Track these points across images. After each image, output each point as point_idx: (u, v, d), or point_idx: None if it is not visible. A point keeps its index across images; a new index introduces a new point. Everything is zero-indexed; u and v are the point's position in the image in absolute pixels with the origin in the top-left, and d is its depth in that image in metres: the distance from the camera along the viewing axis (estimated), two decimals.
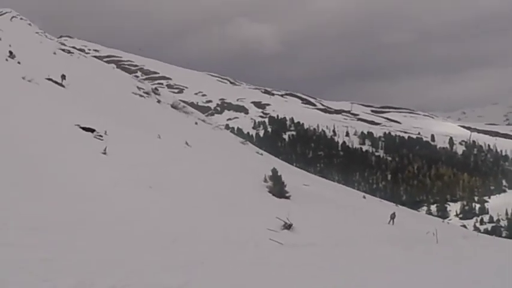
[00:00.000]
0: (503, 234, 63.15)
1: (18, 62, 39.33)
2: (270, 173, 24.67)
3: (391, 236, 19.62)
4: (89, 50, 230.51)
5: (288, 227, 16.35)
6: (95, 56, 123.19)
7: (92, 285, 6.95)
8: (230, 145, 45.41)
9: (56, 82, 37.16)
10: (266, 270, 10.42)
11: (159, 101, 55.31)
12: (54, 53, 59.60)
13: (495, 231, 76.29)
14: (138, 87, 58.50)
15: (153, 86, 72.30)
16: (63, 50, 69.58)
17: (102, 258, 8.35)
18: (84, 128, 23.17)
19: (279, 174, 24.02)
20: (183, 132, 35.78)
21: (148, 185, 16.68)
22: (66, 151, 18.08)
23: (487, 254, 19.73)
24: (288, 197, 23.10)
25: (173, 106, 55.57)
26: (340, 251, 13.97)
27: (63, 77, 38.55)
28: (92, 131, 23.18)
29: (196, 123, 51.40)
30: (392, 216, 24.33)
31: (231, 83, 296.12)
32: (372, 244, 16.20)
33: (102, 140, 22.09)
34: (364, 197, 40.11)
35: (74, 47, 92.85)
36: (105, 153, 19.56)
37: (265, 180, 24.53)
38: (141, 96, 53.43)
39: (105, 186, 14.88)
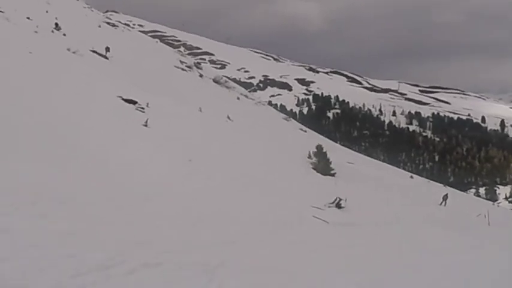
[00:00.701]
0: None
1: (64, 34, 39.59)
2: (315, 149, 23.75)
3: (442, 217, 18.53)
4: (134, 24, 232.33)
5: (338, 205, 15.46)
6: (140, 31, 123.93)
7: (123, 262, 6.32)
8: (273, 121, 44.58)
9: (100, 54, 37.24)
10: (309, 250, 9.61)
11: (201, 75, 54.96)
12: (99, 26, 59.93)
13: None
14: (180, 61, 58.25)
15: (195, 61, 72.01)
16: (107, 23, 69.99)
17: (133, 235, 7.72)
18: (126, 100, 22.84)
19: (324, 150, 23.07)
20: (224, 107, 35.18)
21: (188, 158, 16.12)
22: (106, 122, 17.72)
23: None
24: (333, 175, 22.19)
25: (215, 81, 55.11)
26: (389, 231, 13.00)
27: (107, 49, 38.65)
28: (134, 103, 22.84)
29: (238, 98, 50.78)
30: (445, 198, 23.11)
31: (274, 59, 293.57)
32: (422, 225, 15.15)
33: (143, 112, 21.71)
34: (411, 177, 38.63)
35: (119, 22, 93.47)
36: (146, 126, 19.12)
37: (309, 157, 23.64)
38: (183, 70, 53.17)
39: (143, 158, 14.38)
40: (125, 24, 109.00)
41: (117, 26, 72.81)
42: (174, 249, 7.43)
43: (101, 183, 10.80)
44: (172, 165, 14.88)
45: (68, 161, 11.53)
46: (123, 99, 22.57)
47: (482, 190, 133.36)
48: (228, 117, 28.94)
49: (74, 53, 32.32)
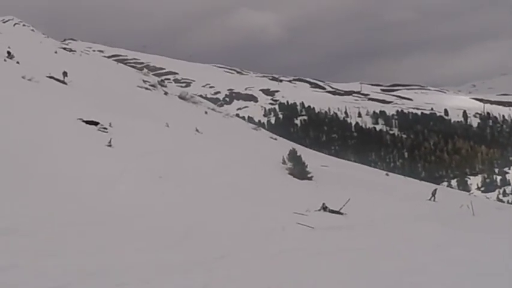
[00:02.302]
0: None
1: (17, 62, 37.99)
2: (288, 155, 23.05)
3: (427, 212, 18.03)
4: (94, 51, 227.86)
5: (324, 209, 14.61)
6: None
7: None
8: (243, 131, 43.84)
9: (57, 80, 35.85)
10: (298, 260, 8.76)
11: (166, 93, 53.85)
12: (56, 52, 58.20)
13: None
14: (143, 80, 56.96)
15: (159, 79, 70.69)
16: (64, 49, 68.24)
17: (90, 263, 6.55)
18: (87, 122, 21.72)
19: (298, 154, 22.38)
20: (193, 121, 34.18)
21: (158, 175, 15.10)
22: (67, 146, 16.56)
23: None
24: (310, 178, 21.52)
25: (181, 97, 54.03)
26: (379, 231, 12.28)
27: (65, 74, 37.24)
28: (96, 124, 21.75)
29: (206, 112, 49.88)
30: (434, 193, 22.83)
31: (238, 72, 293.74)
32: (411, 221, 14.54)
33: (106, 132, 20.62)
34: (387, 175, 38.43)
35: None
36: (110, 145, 18.04)
37: (284, 162, 22.89)
38: (147, 89, 51.94)
39: (108, 179, 13.30)
40: (85, 50, 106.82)
41: (75, 51, 71.05)
42: (138, 277, 6.27)
43: (64, 208, 9.71)
44: (142, 183, 13.84)
45: (28, 189, 10.40)
46: (83, 121, 21.41)
47: (454, 182, 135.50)
48: (197, 130, 28.01)
49: (29, 80, 30.91)
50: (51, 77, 35.57)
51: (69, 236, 7.95)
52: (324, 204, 14.80)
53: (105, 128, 21.18)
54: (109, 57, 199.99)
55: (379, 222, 13.67)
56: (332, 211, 14.56)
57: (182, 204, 12.61)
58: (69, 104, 26.36)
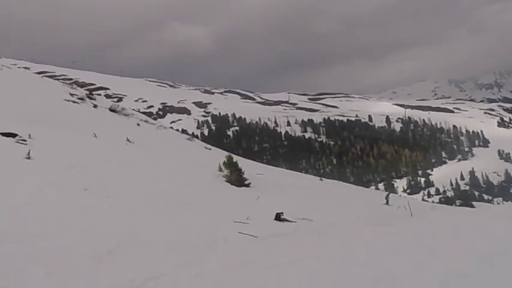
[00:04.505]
0: (457, 204, 64.08)
1: None
2: (224, 162, 22.27)
3: (367, 215, 17.85)
4: (19, 68, 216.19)
5: (280, 219, 13.81)
6: None
7: None
8: (177, 142, 42.61)
9: None
10: (247, 276, 7.89)
11: (95, 106, 51.22)
12: None
13: (448, 202, 77.68)
14: (70, 93, 53.98)
15: (88, 92, 67.43)
16: None
17: None
18: (3, 134, 19.85)
19: (234, 161, 21.66)
20: (124, 132, 32.47)
21: (83, 187, 13.73)
22: None
23: (462, 221, 18.86)
24: (248, 185, 20.87)
25: (111, 109, 51.63)
26: (326, 237, 11.73)
27: None
28: (14, 136, 19.92)
29: (138, 124, 48.03)
30: (387, 197, 23.33)
31: (170, 86, 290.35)
32: (355, 225, 14.16)
33: (26, 144, 18.87)
34: (321, 180, 38.63)
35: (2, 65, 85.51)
36: (28, 158, 16.39)
37: (220, 170, 22.07)
38: (74, 102, 49.12)
39: (26, 195, 11.77)
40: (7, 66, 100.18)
41: None
42: None
43: None
44: (64, 197, 12.43)
45: None
46: None
47: (381, 186, 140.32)
48: (128, 140, 26.55)
49: None
50: None
51: None
52: (281, 213, 14.00)
53: (24, 140, 19.42)
54: (36, 74, 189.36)
55: (325, 227, 13.15)
56: (287, 220, 13.83)
57: (110, 217, 11.39)
58: None
